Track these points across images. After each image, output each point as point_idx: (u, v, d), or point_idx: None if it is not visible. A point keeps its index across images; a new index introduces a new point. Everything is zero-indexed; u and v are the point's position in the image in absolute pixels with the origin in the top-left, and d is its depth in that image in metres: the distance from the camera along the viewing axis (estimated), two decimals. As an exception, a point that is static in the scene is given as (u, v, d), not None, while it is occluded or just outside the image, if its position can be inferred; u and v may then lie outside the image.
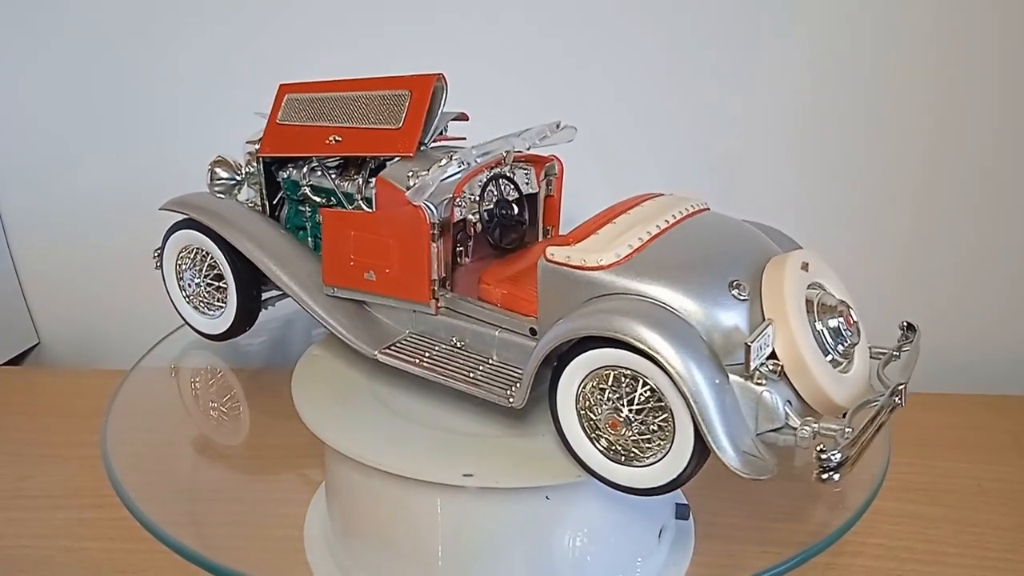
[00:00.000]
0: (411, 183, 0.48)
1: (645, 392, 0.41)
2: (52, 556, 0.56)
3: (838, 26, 0.74)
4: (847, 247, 0.80)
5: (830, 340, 0.42)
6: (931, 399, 0.77)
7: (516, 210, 0.54)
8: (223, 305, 0.61)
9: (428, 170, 0.48)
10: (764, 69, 0.76)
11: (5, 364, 0.88)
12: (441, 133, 0.56)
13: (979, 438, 0.70)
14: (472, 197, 0.52)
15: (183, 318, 0.63)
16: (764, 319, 0.41)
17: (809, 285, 0.43)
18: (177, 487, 0.57)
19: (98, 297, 0.91)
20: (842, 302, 0.43)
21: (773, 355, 0.41)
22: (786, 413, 0.40)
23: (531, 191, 0.56)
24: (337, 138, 0.54)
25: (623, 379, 0.41)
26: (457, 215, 0.51)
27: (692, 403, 0.38)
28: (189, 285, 0.62)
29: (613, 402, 0.41)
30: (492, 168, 0.53)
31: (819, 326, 0.42)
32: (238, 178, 0.60)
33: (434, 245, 0.49)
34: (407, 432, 0.47)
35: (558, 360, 0.43)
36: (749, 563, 0.44)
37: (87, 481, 0.63)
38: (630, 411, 0.41)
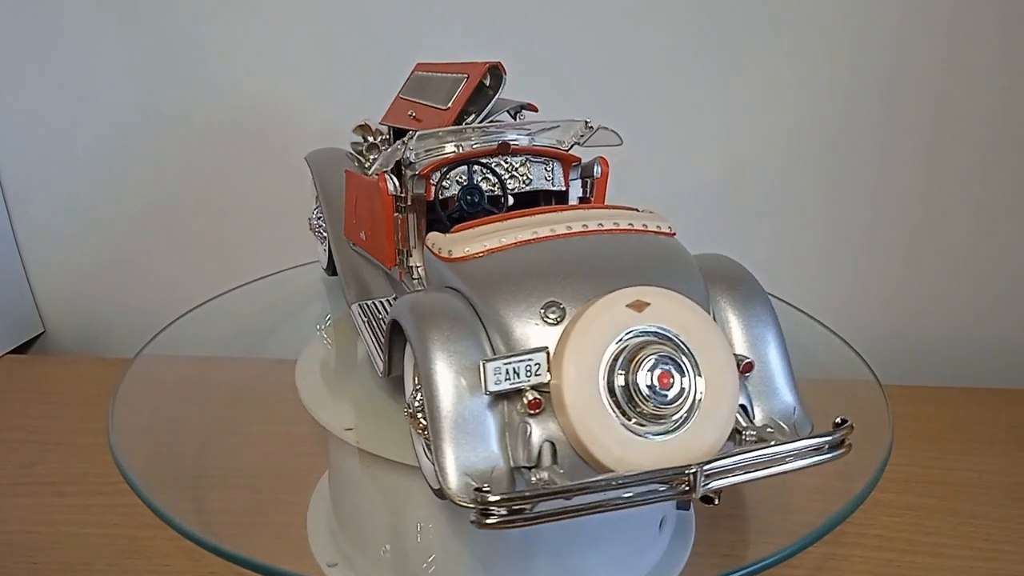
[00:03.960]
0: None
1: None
2: (57, 541, 0.57)
3: (842, 27, 0.74)
4: (847, 243, 0.81)
5: (632, 396, 0.37)
6: (931, 392, 0.77)
7: (479, 199, 0.52)
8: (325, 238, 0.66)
9: (402, 146, 0.48)
10: (766, 73, 0.76)
11: (11, 353, 0.89)
12: (515, 117, 0.56)
13: (980, 431, 0.71)
14: (459, 179, 0.52)
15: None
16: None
17: (635, 331, 0.38)
18: (182, 474, 0.58)
19: (103, 286, 0.91)
20: (669, 359, 0.37)
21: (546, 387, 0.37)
22: (540, 454, 0.37)
23: (550, 188, 0.54)
24: (412, 113, 0.57)
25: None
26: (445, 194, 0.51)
27: (424, 395, 0.37)
28: (312, 216, 0.67)
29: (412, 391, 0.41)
30: (485, 156, 0.52)
31: (620, 378, 0.37)
32: (370, 140, 0.61)
33: (397, 215, 0.49)
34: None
35: None
36: (748, 552, 0.45)
37: (92, 468, 0.63)
38: (412, 399, 0.40)
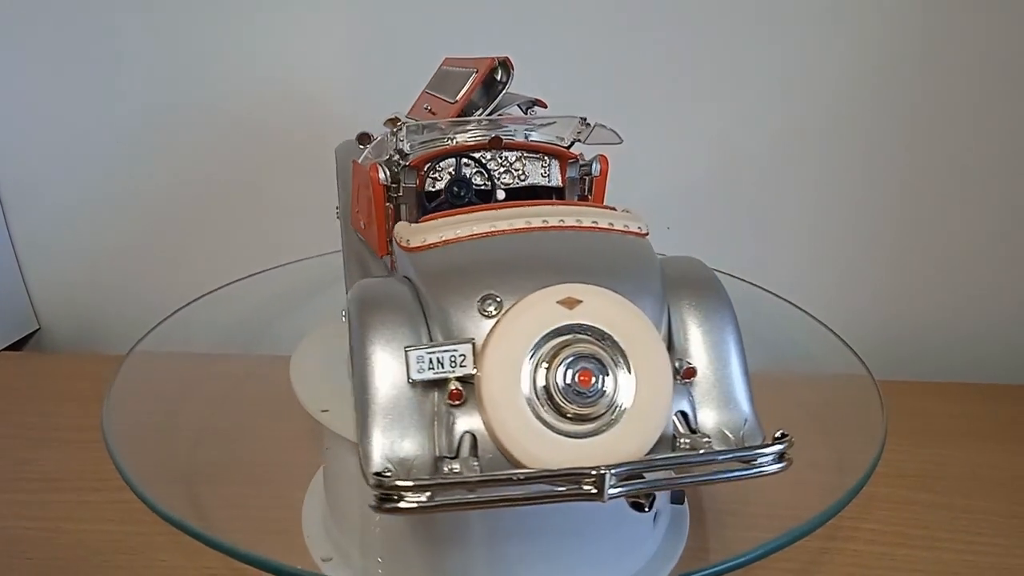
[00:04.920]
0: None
1: None
2: (52, 538, 0.57)
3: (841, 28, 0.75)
4: (840, 238, 0.81)
5: (551, 393, 0.36)
6: (926, 387, 0.77)
7: (466, 192, 0.52)
8: None
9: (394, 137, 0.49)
10: (757, 72, 0.76)
11: (5, 349, 0.89)
12: (527, 112, 0.56)
13: (973, 426, 0.71)
14: (449, 171, 0.52)
15: None
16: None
17: (564, 328, 0.37)
18: (176, 469, 0.58)
19: (98, 283, 0.91)
20: (592, 358, 0.37)
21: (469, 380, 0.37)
22: (460, 445, 0.37)
23: (546, 184, 0.54)
24: (428, 106, 0.58)
25: None
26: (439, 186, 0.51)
27: (354, 380, 0.38)
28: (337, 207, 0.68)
29: None
30: (476, 149, 0.52)
31: (541, 374, 0.37)
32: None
33: (389, 205, 0.49)
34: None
35: None
36: (742, 547, 0.45)
37: (87, 464, 0.63)
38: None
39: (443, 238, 0.42)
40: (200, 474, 0.59)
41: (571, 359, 0.37)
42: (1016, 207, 0.79)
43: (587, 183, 0.53)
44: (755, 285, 0.74)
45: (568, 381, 0.36)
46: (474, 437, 0.37)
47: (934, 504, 0.61)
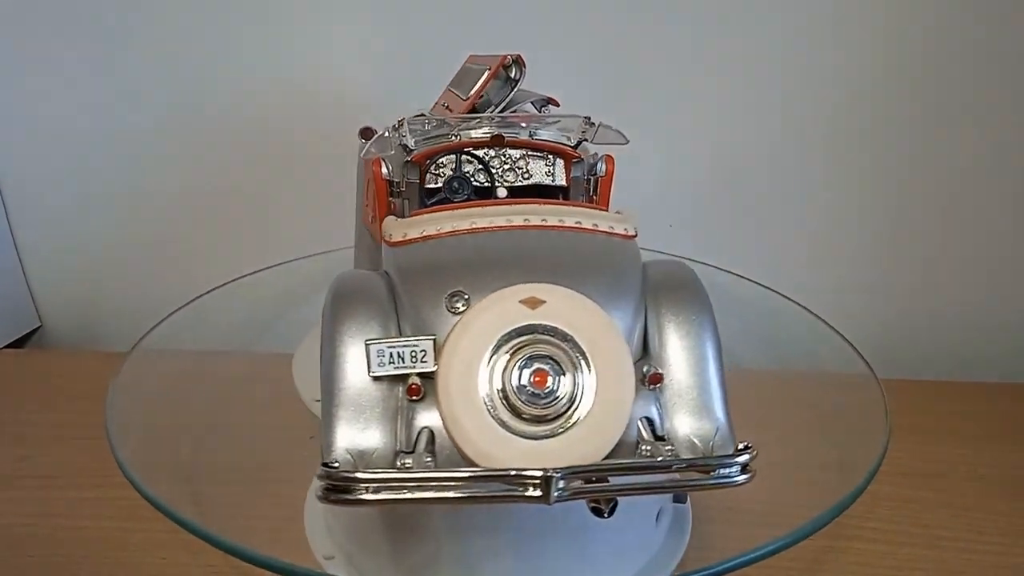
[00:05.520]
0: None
1: None
2: (52, 534, 0.57)
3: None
4: (843, 237, 0.81)
5: (507, 393, 0.36)
6: (929, 386, 0.77)
7: (464, 188, 0.51)
8: None
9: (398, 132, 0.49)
10: (760, 72, 0.76)
11: (7, 347, 0.89)
12: (541, 110, 0.57)
13: (976, 425, 0.71)
14: (450, 166, 0.52)
15: None
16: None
17: (524, 328, 0.37)
18: (178, 467, 0.58)
19: (100, 280, 0.91)
20: (550, 359, 0.37)
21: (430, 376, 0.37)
22: (417, 440, 0.37)
23: (550, 183, 0.53)
24: (445, 103, 0.58)
25: None
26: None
27: (322, 370, 0.38)
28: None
29: None
30: (477, 146, 0.52)
31: (497, 373, 0.36)
32: None
33: (392, 200, 0.49)
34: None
35: None
36: (745, 545, 0.44)
37: (87, 461, 0.63)
38: None
39: (423, 233, 0.42)
40: (202, 471, 0.59)
41: (527, 359, 0.37)
42: (1020, 206, 0.79)
43: (592, 183, 0.53)
44: (758, 284, 0.74)
45: (523, 382, 0.36)
46: (432, 433, 0.37)
47: (937, 503, 0.61)
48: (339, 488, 0.34)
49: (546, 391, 0.36)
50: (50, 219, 0.89)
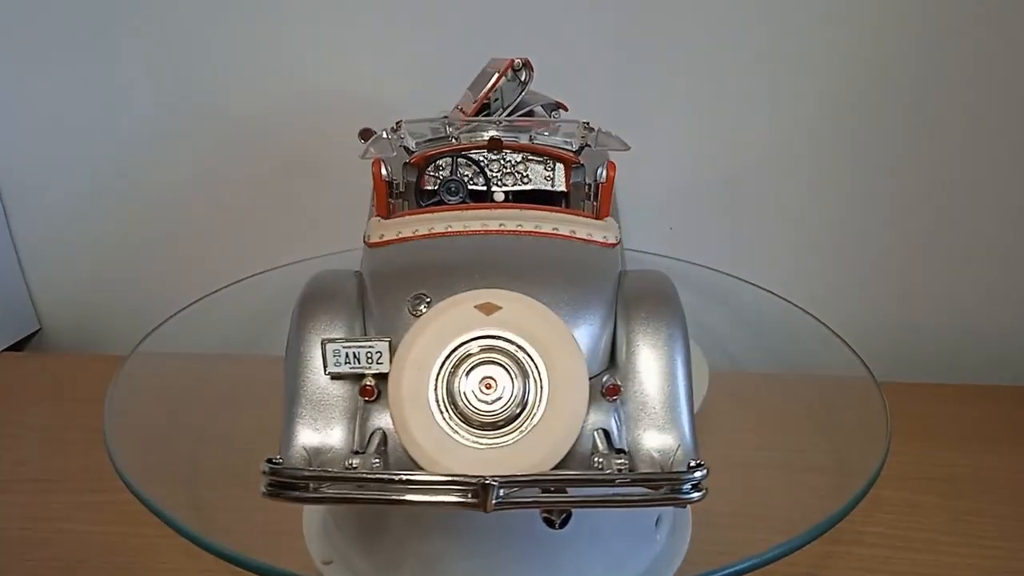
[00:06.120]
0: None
1: None
2: (50, 538, 0.57)
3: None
4: (846, 240, 0.81)
5: (455, 399, 0.36)
6: (928, 389, 0.77)
7: (459, 191, 0.52)
8: None
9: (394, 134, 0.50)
10: (765, 74, 0.76)
11: (6, 350, 0.88)
12: (551, 115, 0.57)
13: (977, 428, 0.71)
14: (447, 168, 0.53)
15: None
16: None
17: (476, 334, 0.37)
18: (177, 471, 0.58)
19: (100, 283, 0.91)
20: (500, 366, 0.36)
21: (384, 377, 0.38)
22: (369, 440, 0.37)
23: (550, 188, 0.53)
24: (460, 106, 0.59)
25: None
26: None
27: (284, 367, 0.39)
28: None
29: None
30: (474, 150, 0.52)
31: (446, 378, 0.36)
32: None
33: (391, 201, 0.50)
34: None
35: None
36: (746, 550, 0.44)
37: (86, 465, 0.63)
38: None
39: (399, 235, 0.42)
40: (201, 476, 0.58)
41: (477, 365, 0.36)
42: (1021, 207, 0.79)
43: (593, 188, 0.52)
44: (758, 287, 0.74)
45: (472, 388, 0.36)
46: (385, 434, 0.37)
47: (937, 507, 0.60)
48: (279, 484, 0.35)
49: (494, 398, 0.36)
50: (50, 222, 0.89)
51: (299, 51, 0.80)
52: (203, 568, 0.53)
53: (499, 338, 0.37)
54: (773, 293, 0.73)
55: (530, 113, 0.58)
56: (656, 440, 0.38)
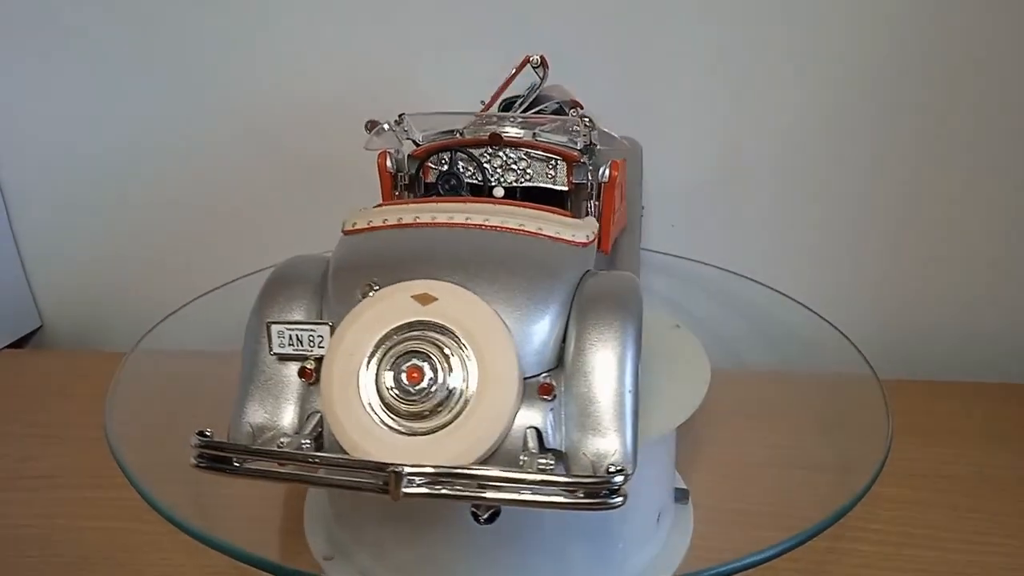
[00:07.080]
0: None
1: None
2: (54, 535, 0.57)
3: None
4: (846, 236, 0.81)
5: (380, 387, 0.37)
6: (932, 387, 0.77)
7: (457, 185, 0.52)
8: None
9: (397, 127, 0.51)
10: (765, 70, 0.76)
11: (8, 347, 0.88)
12: (561, 111, 0.57)
13: (980, 425, 0.70)
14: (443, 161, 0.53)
15: None
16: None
17: (412, 323, 0.37)
18: (178, 468, 0.57)
19: (101, 281, 0.91)
20: (427, 356, 0.37)
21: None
22: (306, 423, 0.38)
23: (551, 186, 0.52)
24: (482, 99, 0.59)
25: None
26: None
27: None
28: None
29: None
30: (474, 145, 0.52)
31: (374, 366, 0.37)
32: None
33: (395, 193, 0.52)
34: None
35: None
36: (747, 547, 0.44)
37: (87, 462, 0.63)
38: None
39: (370, 223, 0.43)
40: (202, 473, 0.58)
41: (405, 354, 0.37)
42: (1021, 206, 0.79)
43: (595, 187, 0.51)
44: (760, 283, 0.74)
45: (398, 376, 0.36)
46: (321, 416, 0.38)
47: (940, 504, 0.60)
48: (207, 456, 0.37)
49: (418, 388, 0.36)
50: (51, 219, 0.89)
51: (299, 51, 0.80)
52: (205, 564, 0.53)
53: (432, 328, 0.37)
54: (775, 290, 0.72)
55: (556, 110, 0.58)
56: (594, 444, 0.37)
